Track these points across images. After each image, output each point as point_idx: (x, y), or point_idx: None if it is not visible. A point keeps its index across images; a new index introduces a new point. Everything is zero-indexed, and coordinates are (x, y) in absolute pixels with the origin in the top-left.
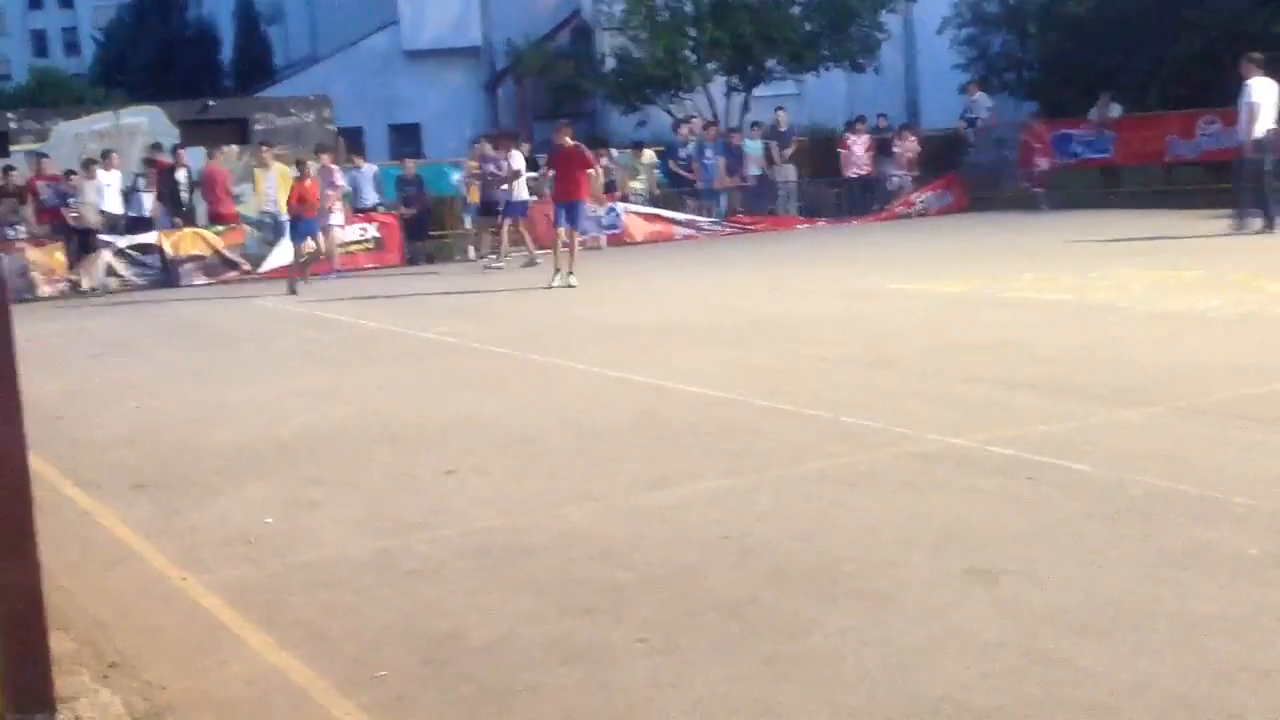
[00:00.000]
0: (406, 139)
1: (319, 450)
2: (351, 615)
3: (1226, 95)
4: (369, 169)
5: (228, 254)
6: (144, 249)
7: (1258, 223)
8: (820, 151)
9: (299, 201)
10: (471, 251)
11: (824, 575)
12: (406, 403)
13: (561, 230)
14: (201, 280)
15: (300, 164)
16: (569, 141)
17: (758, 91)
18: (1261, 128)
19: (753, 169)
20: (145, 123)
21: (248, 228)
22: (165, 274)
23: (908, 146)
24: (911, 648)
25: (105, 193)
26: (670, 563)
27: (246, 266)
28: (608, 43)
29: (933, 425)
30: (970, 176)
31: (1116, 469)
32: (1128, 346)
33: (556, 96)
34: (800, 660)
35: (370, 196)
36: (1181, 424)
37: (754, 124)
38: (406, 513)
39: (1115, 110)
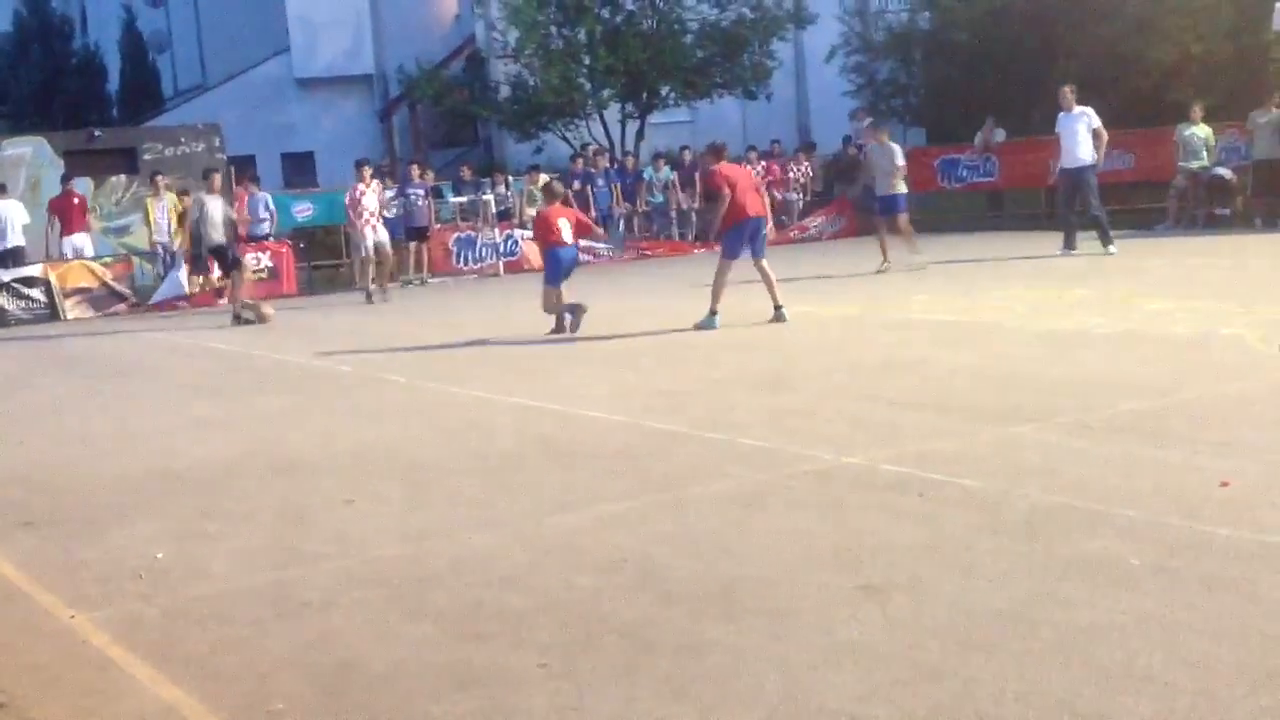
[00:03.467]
0: (299, 168)
1: (213, 482)
2: (246, 648)
3: (1107, 118)
4: (261, 196)
5: (115, 286)
6: (28, 282)
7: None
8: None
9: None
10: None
11: (722, 595)
12: (303, 432)
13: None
14: (88, 313)
15: (548, 188)
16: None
17: (652, 118)
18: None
19: (656, 195)
20: (29, 153)
21: (137, 259)
22: (50, 308)
23: (802, 171)
24: (808, 664)
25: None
26: (569, 587)
27: (134, 299)
28: (501, 70)
29: (827, 445)
30: (859, 200)
31: (1004, 484)
32: (1015, 364)
33: (451, 124)
34: (699, 679)
35: (264, 226)
36: (1066, 439)
37: (657, 155)
38: (303, 543)
39: (1000, 135)
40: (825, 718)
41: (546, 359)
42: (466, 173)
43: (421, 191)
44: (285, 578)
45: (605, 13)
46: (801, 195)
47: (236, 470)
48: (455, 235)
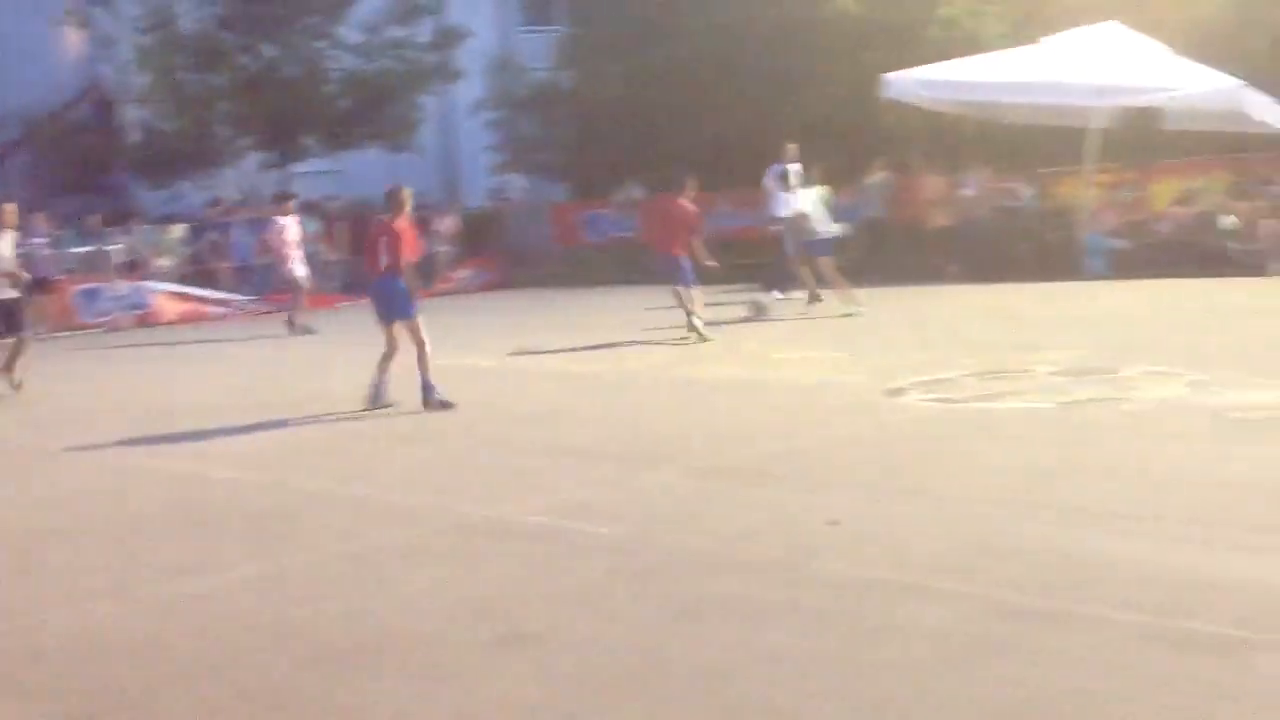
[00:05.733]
0: None
1: None
2: None
3: (747, 178)
4: None
5: None
6: None
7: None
8: (363, 229)
9: None
10: None
11: (366, 654)
12: None
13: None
14: None
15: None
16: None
17: (298, 168)
18: None
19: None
20: None
21: None
22: None
23: (447, 224)
24: (455, 718)
25: None
26: (199, 656)
27: None
28: (131, 115)
29: (471, 498)
30: (505, 254)
31: (638, 529)
32: (652, 412)
33: (79, 169)
34: None
35: None
36: (696, 483)
37: (301, 204)
38: None
39: (636, 192)
40: None
41: (180, 416)
42: (95, 222)
43: (42, 240)
44: None
45: (245, 59)
46: (451, 248)
47: None
48: (79, 288)
